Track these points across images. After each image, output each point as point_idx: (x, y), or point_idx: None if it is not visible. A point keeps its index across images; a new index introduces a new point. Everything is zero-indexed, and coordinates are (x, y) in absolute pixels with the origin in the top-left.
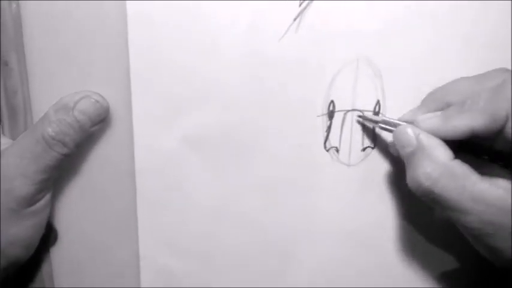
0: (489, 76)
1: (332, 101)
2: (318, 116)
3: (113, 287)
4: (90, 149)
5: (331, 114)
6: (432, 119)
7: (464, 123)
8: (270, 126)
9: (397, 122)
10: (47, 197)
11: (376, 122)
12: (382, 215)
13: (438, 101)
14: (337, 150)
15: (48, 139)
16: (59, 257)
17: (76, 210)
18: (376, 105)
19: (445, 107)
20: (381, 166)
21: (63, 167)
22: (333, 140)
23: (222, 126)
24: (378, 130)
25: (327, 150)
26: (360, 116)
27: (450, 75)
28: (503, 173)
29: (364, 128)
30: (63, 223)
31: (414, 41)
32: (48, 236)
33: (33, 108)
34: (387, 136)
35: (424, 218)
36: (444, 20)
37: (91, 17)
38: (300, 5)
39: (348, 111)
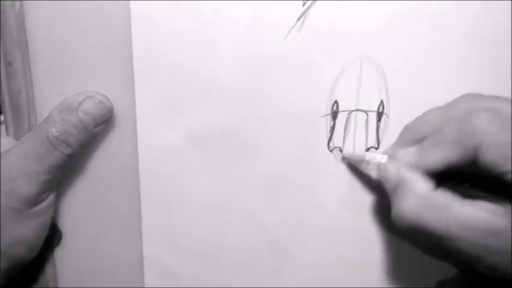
0: (456, 105)
1: (336, 101)
2: (322, 116)
3: (116, 287)
4: (94, 149)
5: (334, 115)
6: (409, 156)
7: (438, 157)
8: (273, 126)
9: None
10: (51, 197)
11: (361, 160)
12: (385, 215)
13: (413, 134)
14: (341, 151)
15: (52, 139)
16: (63, 257)
17: (80, 210)
18: (380, 105)
19: (420, 140)
20: None
21: (67, 168)
22: (337, 140)
23: (225, 125)
24: (381, 130)
25: (331, 151)
26: (343, 158)
27: (452, 75)
28: (485, 196)
29: (368, 128)
30: (67, 223)
31: (417, 41)
32: (52, 237)
33: (37, 109)
34: (391, 136)
35: None
36: (446, 20)
37: (94, 17)
38: (303, 5)
39: (352, 111)
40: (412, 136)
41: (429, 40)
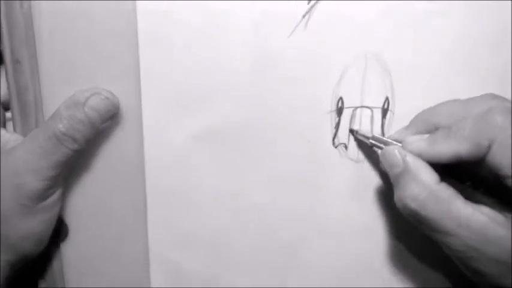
0: (477, 101)
1: (341, 98)
2: (327, 113)
3: (122, 282)
4: (100, 145)
5: (339, 111)
6: (419, 142)
7: (449, 148)
8: (278, 123)
9: (386, 140)
10: (58, 192)
11: (367, 138)
12: (391, 211)
13: (426, 122)
14: (346, 147)
15: (59, 135)
16: (70, 252)
17: (86, 205)
18: (385, 101)
19: (432, 128)
20: None
21: (74, 163)
22: (342, 137)
23: (231, 122)
24: (386, 126)
25: (336, 147)
26: (350, 130)
27: (457, 71)
28: (485, 199)
29: (373, 125)
30: (73, 219)
31: (423, 37)
32: (58, 232)
33: (44, 106)
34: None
35: None
36: (452, 18)
37: (101, 15)
38: (308, 3)
39: (357, 108)
40: (425, 124)
41: (435, 37)
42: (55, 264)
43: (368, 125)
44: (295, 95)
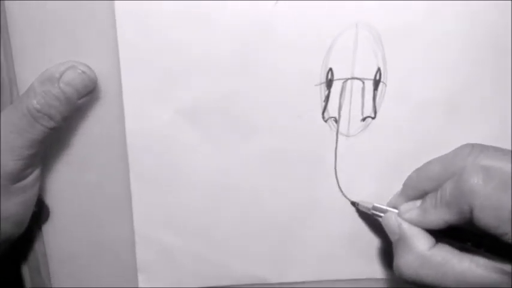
0: (454, 159)
1: (330, 69)
2: (316, 85)
3: (107, 263)
4: (79, 123)
5: (329, 83)
6: (412, 211)
7: (438, 217)
8: (266, 97)
9: (386, 208)
10: (36, 172)
11: (369, 209)
12: (383, 186)
13: (416, 189)
14: (336, 121)
15: (34, 112)
16: (52, 234)
17: (67, 186)
18: (377, 72)
19: (422, 193)
20: (381, 136)
21: (52, 143)
22: (332, 110)
23: (217, 97)
24: (378, 99)
25: (325, 121)
26: (352, 203)
27: (451, 42)
28: (488, 255)
29: (364, 97)
30: (55, 200)
31: (415, 5)
32: (39, 213)
33: (18, 82)
34: (389, 105)
35: None
36: None
37: None
38: None
39: (347, 79)
40: (415, 190)
41: (429, 4)
42: (38, 247)
43: (359, 98)
44: (283, 67)
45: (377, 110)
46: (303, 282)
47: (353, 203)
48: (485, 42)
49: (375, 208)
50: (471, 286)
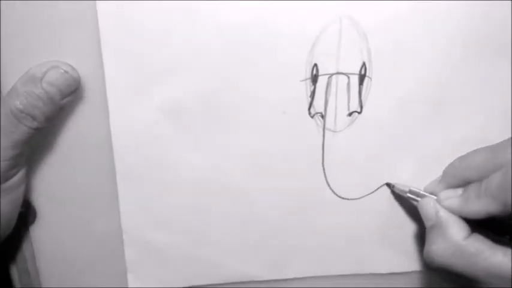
0: (503, 151)
1: (315, 65)
2: (301, 81)
3: (96, 263)
4: (64, 123)
5: (314, 79)
6: (452, 199)
7: (481, 208)
8: (251, 93)
9: (423, 193)
10: (21, 173)
11: (405, 192)
12: (370, 180)
13: (458, 176)
14: (322, 116)
15: (17, 113)
16: (40, 235)
17: (54, 186)
18: (362, 67)
19: (464, 182)
20: (367, 131)
21: (37, 143)
22: (318, 106)
23: (202, 94)
24: (364, 93)
25: (312, 117)
26: (387, 184)
27: (439, 36)
28: None
29: (350, 92)
30: (41, 201)
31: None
32: (26, 214)
33: (1, 82)
34: (375, 99)
35: None
36: None
37: None
38: None
39: (332, 74)
40: (457, 178)
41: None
42: (26, 248)
43: (345, 93)
44: (267, 62)
45: (363, 104)
46: (293, 279)
47: (388, 185)
48: (471, 38)
49: (411, 192)
50: (502, 280)
